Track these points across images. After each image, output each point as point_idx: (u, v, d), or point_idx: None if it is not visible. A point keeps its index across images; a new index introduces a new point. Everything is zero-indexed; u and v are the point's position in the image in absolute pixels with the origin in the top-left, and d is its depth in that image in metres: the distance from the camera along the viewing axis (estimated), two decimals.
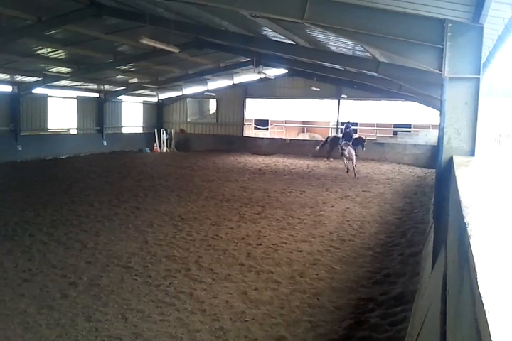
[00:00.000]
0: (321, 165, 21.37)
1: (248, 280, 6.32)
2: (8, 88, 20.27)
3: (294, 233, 8.93)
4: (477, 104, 4.54)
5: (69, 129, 24.15)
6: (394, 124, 26.76)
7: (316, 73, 19.81)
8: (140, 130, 28.72)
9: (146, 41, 11.78)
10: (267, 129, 29.97)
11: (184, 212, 10.51)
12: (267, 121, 29.63)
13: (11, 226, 8.77)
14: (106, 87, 24.78)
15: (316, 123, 31.44)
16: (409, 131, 25.13)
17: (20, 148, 20.23)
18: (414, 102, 21.13)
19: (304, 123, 32.50)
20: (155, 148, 27.20)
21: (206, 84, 27.43)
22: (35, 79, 20.17)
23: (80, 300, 5.49)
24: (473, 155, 4.60)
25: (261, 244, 8.08)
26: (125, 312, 5.19)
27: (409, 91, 14.62)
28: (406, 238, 8.69)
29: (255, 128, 29.56)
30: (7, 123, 20.07)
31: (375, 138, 25.52)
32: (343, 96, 25.44)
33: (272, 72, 23.90)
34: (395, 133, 26.09)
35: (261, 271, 6.68)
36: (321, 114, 26.74)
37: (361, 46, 10.40)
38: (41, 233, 8.39)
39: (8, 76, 19.61)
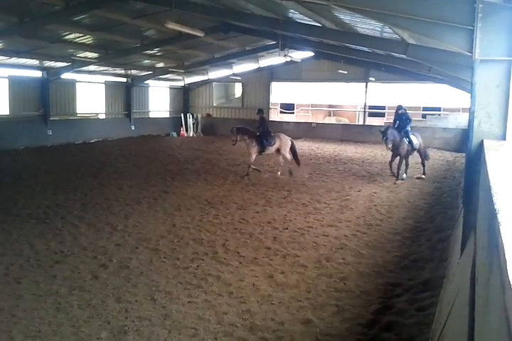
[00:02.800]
0: (348, 149, 21.17)
1: (274, 263, 6.37)
2: (38, 73, 20.59)
3: (320, 217, 8.92)
4: (509, 86, 4.41)
5: (97, 114, 24.48)
6: (423, 107, 26.27)
7: (343, 55, 19.50)
8: (167, 114, 28.89)
9: (171, 26, 11.76)
10: (293, 113, 29.79)
11: (211, 196, 10.60)
12: (293, 104, 29.43)
13: (43, 210, 9.01)
14: (133, 71, 24.94)
15: (342, 106, 31.09)
16: (439, 115, 24.63)
17: (51, 133, 20.62)
18: (444, 85, 20.63)
19: (330, 106, 32.17)
20: (182, 132, 27.37)
21: (232, 67, 27.31)
22: (63, 64, 20.42)
23: (110, 282, 5.63)
24: (504, 139, 4.49)
25: (287, 228, 8.11)
26: (154, 294, 5.31)
27: (438, 74, 14.28)
28: (434, 223, 8.59)
29: (281, 112, 29.42)
30: (37, 108, 20.45)
31: None
32: (370, 78, 25.02)
33: (298, 55, 23.61)
34: (424, 116, 25.61)
35: (287, 255, 6.72)
36: (348, 97, 26.39)
37: (389, 28, 10.16)
38: (72, 216, 8.60)
39: (38, 61, 19.88)
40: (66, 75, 21.18)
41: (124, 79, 25.36)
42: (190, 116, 27.99)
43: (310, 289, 5.57)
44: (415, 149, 13.61)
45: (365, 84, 25.33)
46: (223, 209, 9.38)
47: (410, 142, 13.27)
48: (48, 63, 20.24)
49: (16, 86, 19.56)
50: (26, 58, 18.83)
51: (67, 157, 16.69)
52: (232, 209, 9.47)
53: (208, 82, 29.28)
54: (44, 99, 20.57)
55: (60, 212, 8.84)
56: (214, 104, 29.61)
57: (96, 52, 19.77)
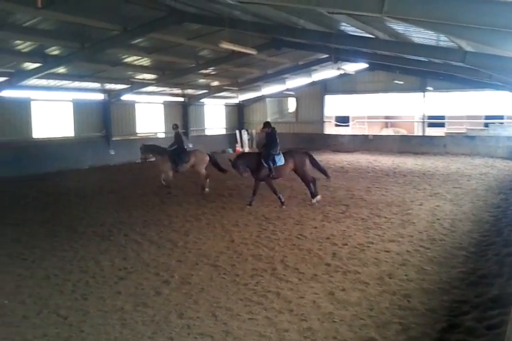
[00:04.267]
0: (407, 161, 20.65)
1: (335, 280, 6.27)
2: (100, 96, 21.57)
3: (380, 232, 8.72)
4: None
5: (156, 133, 25.24)
6: (485, 116, 25.29)
7: (399, 66, 19.20)
8: (222, 131, 29.38)
9: (225, 45, 12.03)
10: (348, 126, 29.48)
11: (267, 212, 10.62)
12: (348, 117, 29.13)
13: (107, 227, 9.34)
14: (189, 91, 25.63)
15: (400, 117, 30.47)
16: (502, 123, 23.61)
17: (113, 153, 21.46)
18: (507, 92, 19.80)
19: (387, 118, 31.60)
20: (237, 148, 27.71)
21: (285, 83, 27.50)
22: (123, 86, 21.29)
23: (173, 298, 5.72)
24: None
25: (346, 244, 7.97)
26: (215, 310, 5.34)
27: (500, 81, 13.73)
28: (502, 237, 8.17)
29: (336, 125, 29.20)
30: (100, 129, 21.38)
31: (464, 131, 24.30)
32: (428, 88, 24.44)
33: (352, 67, 23.44)
34: (486, 125, 24.63)
35: (348, 272, 6.60)
36: (405, 107, 25.84)
37: (446, 36, 9.92)
38: (134, 233, 8.86)
39: (99, 84, 20.84)
40: (126, 97, 22.06)
41: (181, 99, 26.10)
42: (245, 132, 28.32)
43: (372, 307, 5.43)
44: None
45: (422, 93, 24.75)
46: (280, 225, 9.36)
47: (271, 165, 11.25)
48: (108, 86, 21.17)
49: (80, 108, 20.56)
50: (89, 82, 19.78)
51: (128, 175, 17.26)
52: (290, 224, 9.43)
53: (261, 98, 29.61)
54: (106, 121, 21.49)
55: (123, 229, 9.13)
56: (268, 120, 29.77)
57: (154, 74, 20.49)
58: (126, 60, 17.87)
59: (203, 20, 13.49)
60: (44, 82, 18.20)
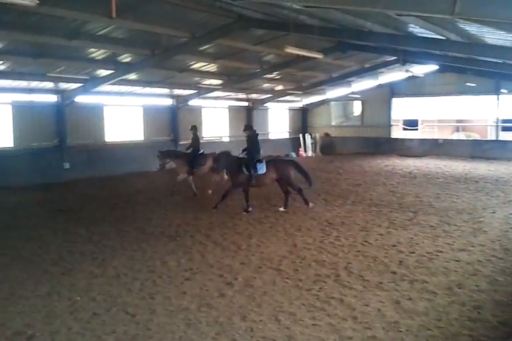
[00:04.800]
0: (480, 167, 19.75)
1: (401, 289, 6.09)
2: (169, 101, 22.27)
3: (450, 241, 8.37)
4: None
5: (221, 137, 25.68)
6: None
7: (471, 68, 18.42)
8: (286, 135, 29.41)
9: (290, 50, 12.05)
10: (417, 129, 28.59)
11: (331, 217, 10.50)
12: (417, 120, 28.25)
13: (174, 228, 9.59)
14: (253, 95, 25.88)
15: (472, 121, 29.17)
16: None
17: None
18: None
19: (458, 121, 30.34)
20: (300, 152, 27.63)
21: (350, 86, 27.11)
22: (190, 92, 21.87)
23: (236, 300, 5.78)
24: None
25: (414, 252, 7.72)
26: (278, 315, 5.34)
27: None
28: None
29: (404, 129, 28.41)
30: (168, 133, 22.06)
31: None
32: (502, 90, 23.26)
33: (421, 70, 22.75)
34: None
35: (414, 281, 6.39)
36: (477, 110, 24.72)
37: None
38: (200, 234, 9.04)
39: (168, 90, 21.53)
40: (193, 102, 22.60)
41: (246, 103, 26.40)
42: (309, 136, 28.19)
43: (441, 317, 5.22)
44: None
45: (496, 96, 23.60)
46: (345, 231, 9.22)
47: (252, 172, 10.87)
48: (176, 91, 21.81)
49: (149, 113, 21.33)
50: (158, 87, 20.47)
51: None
52: (354, 230, 9.27)
53: (325, 102, 29.39)
54: (174, 125, 22.14)
55: (189, 231, 9.35)
56: (332, 123, 29.56)
57: (219, 79, 20.86)
58: (193, 66, 18.32)
59: (269, 25, 13.58)
60: (116, 88, 19.02)
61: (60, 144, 17.81)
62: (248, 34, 14.46)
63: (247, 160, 10.94)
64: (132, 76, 17.60)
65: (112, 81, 16.79)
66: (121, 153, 19.50)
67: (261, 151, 11.27)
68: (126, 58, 15.78)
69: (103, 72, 16.72)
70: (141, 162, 19.71)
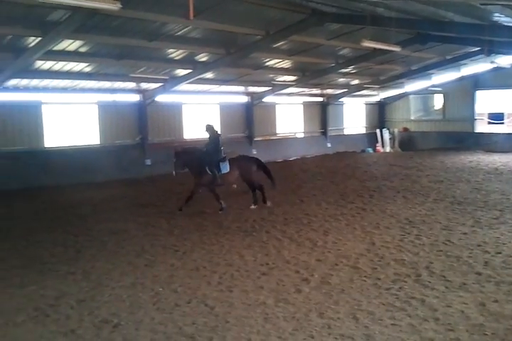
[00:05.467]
0: None
1: (486, 291, 5.78)
2: (244, 98, 22.57)
3: None
4: None
5: (295, 133, 25.66)
6: None
7: None
8: (362, 130, 28.82)
9: (367, 44, 11.80)
10: (503, 123, 26.94)
11: (411, 215, 10.16)
12: (503, 114, 26.62)
13: (250, 223, 9.72)
14: (328, 90, 25.58)
15: None
16: None
17: (255, 152, 22.27)
18: None
19: None
20: (377, 148, 26.97)
21: (430, 78, 26.01)
22: (265, 88, 22.02)
23: (313, 297, 5.76)
24: None
25: (500, 253, 7.30)
26: (356, 313, 5.26)
27: None
28: None
29: (488, 123, 26.87)
30: (244, 130, 22.39)
31: None
32: None
33: (507, 60, 21.37)
34: None
35: (501, 282, 6.04)
36: None
37: None
38: (275, 230, 9.09)
39: (243, 88, 21.82)
40: (267, 98, 22.75)
41: (320, 99, 26.16)
42: (387, 131, 27.44)
43: None
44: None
45: None
46: (426, 229, 8.89)
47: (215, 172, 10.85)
48: (251, 88, 22.05)
49: (225, 111, 21.74)
50: (233, 85, 20.79)
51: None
52: (436, 229, 8.91)
53: (404, 95, 28.42)
54: (248, 122, 22.43)
55: (265, 226, 9.43)
56: (411, 118, 28.55)
57: (294, 75, 20.84)
58: (268, 63, 18.42)
59: (345, 19, 13.35)
60: (193, 86, 19.54)
61: (142, 141, 18.61)
62: (323, 29, 14.30)
63: (209, 161, 10.87)
64: (209, 75, 17.99)
65: (190, 80, 17.27)
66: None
67: (221, 151, 11.12)
68: (203, 57, 16.17)
69: (181, 72, 17.24)
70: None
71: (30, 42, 12.17)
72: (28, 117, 16.12)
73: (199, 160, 10.90)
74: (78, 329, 5.03)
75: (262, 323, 5.09)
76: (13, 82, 15.03)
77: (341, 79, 23.60)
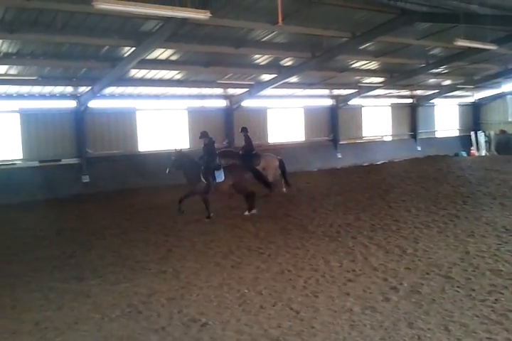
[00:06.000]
0: None
1: None
2: (329, 101, 22.39)
3: None
4: None
5: (382, 136, 25.02)
6: None
7: None
8: (455, 133, 27.49)
9: (460, 43, 11.29)
10: None
11: (509, 223, 9.48)
12: None
13: (335, 229, 9.59)
14: (418, 92, 24.71)
15: None
16: None
17: (340, 156, 22.05)
18: None
19: None
20: (472, 151, 25.56)
21: None
22: (351, 91, 21.71)
23: (401, 306, 5.55)
24: None
25: None
26: (447, 324, 5.00)
27: None
28: None
29: None
30: (328, 133, 22.20)
31: None
32: None
33: None
34: None
35: None
36: None
37: None
38: (362, 236, 8.89)
39: (328, 91, 21.67)
40: (353, 101, 22.40)
41: (409, 100, 25.33)
42: (482, 133, 25.94)
43: None
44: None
45: None
46: None
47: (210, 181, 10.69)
48: (336, 91, 21.84)
49: (309, 114, 21.70)
50: (318, 88, 20.70)
51: (354, 178, 17.47)
52: None
53: (501, 96, 26.75)
54: (333, 125, 22.21)
55: (350, 232, 9.26)
56: (509, 119, 26.75)
57: (381, 77, 20.37)
58: (353, 65, 18.17)
59: (436, 18, 12.87)
60: (278, 91, 19.71)
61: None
62: (412, 29, 13.88)
63: (204, 169, 10.75)
64: (293, 79, 18.06)
65: (275, 85, 17.45)
66: (283, 154, 20.13)
67: (217, 159, 11.06)
68: (288, 62, 16.28)
69: (266, 77, 17.47)
70: (302, 162, 20.16)
71: (125, 52, 12.95)
72: (124, 123, 17.14)
73: (195, 167, 10.88)
74: (168, 327, 5.22)
75: (348, 330, 5.00)
76: (109, 89, 16.05)
77: (432, 80, 22.71)
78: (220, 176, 10.77)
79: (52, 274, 7.30)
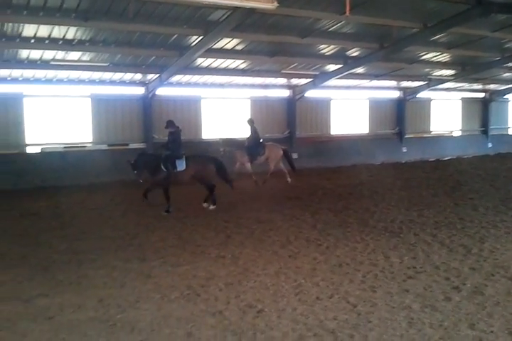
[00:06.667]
0: None
1: None
2: (395, 94, 21.80)
3: None
4: None
5: (451, 131, 24.11)
6: None
7: None
8: None
9: None
10: None
11: None
12: None
13: (397, 224, 9.36)
14: (491, 86, 23.55)
15: None
16: None
17: (405, 150, 21.46)
18: None
19: None
20: None
21: None
22: (419, 83, 21.01)
23: (463, 306, 5.36)
24: None
25: None
26: None
27: None
28: None
29: None
30: (393, 126, 21.63)
31: None
32: None
33: None
34: None
35: None
36: None
37: None
38: (424, 233, 8.63)
39: (395, 82, 21.06)
40: (422, 94, 21.68)
41: (481, 95, 24.22)
42: None
43: None
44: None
45: None
46: None
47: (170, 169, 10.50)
48: (404, 83, 21.19)
49: (374, 106, 21.23)
50: (384, 80, 20.18)
51: (420, 174, 16.99)
52: None
53: None
54: (400, 118, 21.60)
55: (413, 228, 9.01)
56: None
57: (452, 69, 19.57)
58: (423, 57, 17.58)
59: None
60: (343, 82, 19.40)
61: (290, 135, 19.03)
62: (487, 20, 13.16)
63: (165, 157, 10.54)
64: (359, 69, 17.72)
65: (340, 75, 17.20)
66: (345, 146, 19.93)
67: (181, 149, 10.82)
68: (354, 52, 15.98)
69: (332, 67, 17.24)
70: (365, 154, 19.84)
71: (193, 41, 13.16)
72: (189, 110, 17.52)
73: (156, 159, 10.72)
74: (225, 311, 5.31)
75: (406, 327, 4.88)
76: (176, 77, 16.40)
77: (507, 74, 21.54)
78: (181, 165, 10.59)
79: (116, 253, 7.61)
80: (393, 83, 21.13)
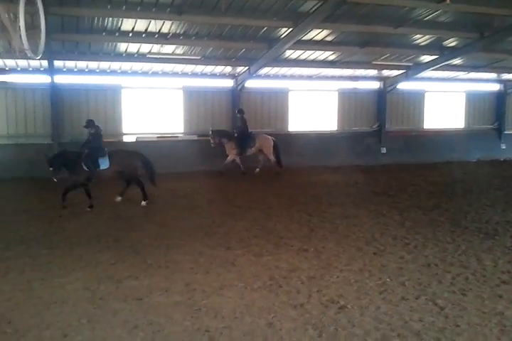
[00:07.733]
0: None
1: None
2: (495, 86, 20.44)
3: None
4: None
5: None
6: None
7: None
8: None
9: None
10: None
11: None
12: None
13: (492, 225, 8.80)
14: None
15: None
16: None
17: (504, 147, 20.13)
18: None
19: None
20: None
21: None
22: None
23: None
24: None
25: None
26: None
27: None
28: None
29: None
30: (492, 121, 20.35)
31: None
32: None
33: None
34: None
35: None
36: None
37: None
38: None
39: (495, 75, 19.74)
40: None
41: None
42: None
43: None
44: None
45: None
46: None
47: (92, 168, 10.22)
48: (506, 76, 19.80)
49: (472, 100, 20.06)
50: (483, 72, 18.97)
51: None
52: None
53: None
54: (499, 112, 20.28)
55: (510, 230, 8.42)
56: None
57: None
58: None
59: None
60: (438, 73, 18.49)
61: (379, 129, 18.51)
62: None
63: (86, 156, 10.22)
64: (456, 61, 16.80)
65: (435, 67, 16.44)
66: (439, 141, 19.05)
67: (103, 148, 10.48)
68: (451, 42, 15.20)
69: (426, 58, 16.51)
70: (460, 151, 18.87)
71: (282, 33, 13.15)
72: (276, 102, 17.61)
73: (76, 158, 10.28)
74: (306, 305, 5.29)
75: (498, 335, 4.59)
76: (264, 70, 16.52)
77: None
78: (104, 163, 10.34)
79: (202, 240, 7.85)
80: (493, 75, 19.80)
